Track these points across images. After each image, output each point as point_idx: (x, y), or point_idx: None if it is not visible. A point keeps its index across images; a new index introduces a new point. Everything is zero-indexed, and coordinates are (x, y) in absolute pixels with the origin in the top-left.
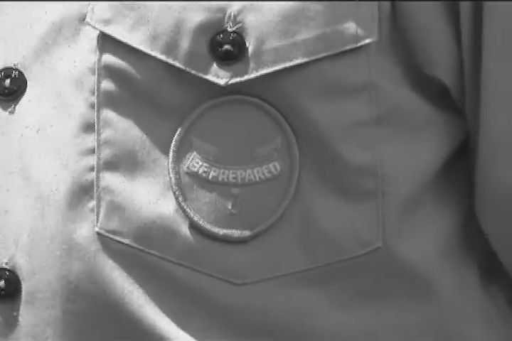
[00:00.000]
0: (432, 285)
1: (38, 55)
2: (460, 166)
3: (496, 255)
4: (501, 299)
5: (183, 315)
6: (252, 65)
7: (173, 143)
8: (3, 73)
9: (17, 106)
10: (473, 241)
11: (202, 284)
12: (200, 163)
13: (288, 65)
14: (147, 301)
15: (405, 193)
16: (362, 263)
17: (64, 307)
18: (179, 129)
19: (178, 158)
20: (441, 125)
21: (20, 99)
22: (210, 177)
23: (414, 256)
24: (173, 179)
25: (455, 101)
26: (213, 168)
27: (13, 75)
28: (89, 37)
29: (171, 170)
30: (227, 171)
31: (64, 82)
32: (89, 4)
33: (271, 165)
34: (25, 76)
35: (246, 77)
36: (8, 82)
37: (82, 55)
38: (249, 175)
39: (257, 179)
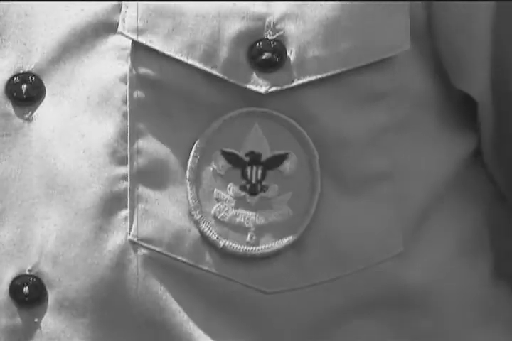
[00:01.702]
0: (436, 294)
1: (57, 61)
2: (473, 172)
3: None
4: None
5: (214, 320)
6: (294, 73)
7: (191, 158)
8: (18, 78)
9: (35, 113)
10: (487, 242)
11: (233, 291)
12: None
13: (330, 73)
14: (180, 308)
15: (421, 199)
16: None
17: (95, 315)
18: (196, 142)
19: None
20: (457, 132)
21: (38, 105)
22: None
23: (426, 264)
24: (192, 205)
25: (479, 114)
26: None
27: (30, 81)
28: (118, 46)
29: (189, 195)
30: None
31: (91, 91)
32: (119, 12)
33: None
34: (43, 82)
35: (287, 86)
36: (25, 87)
37: (110, 63)
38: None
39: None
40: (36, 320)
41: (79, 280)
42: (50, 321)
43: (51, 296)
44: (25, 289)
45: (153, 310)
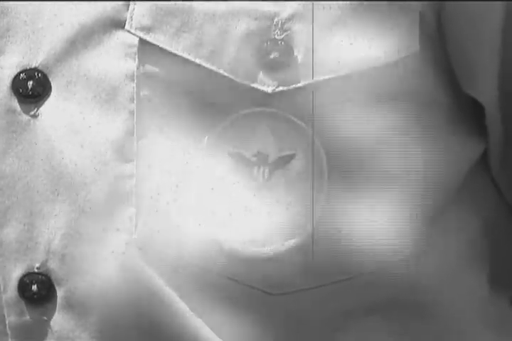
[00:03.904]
0: (442, 296)
1: (63, 58)
2: (479, 178)
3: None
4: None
5: (221, 321)
6: (302, 73)
7: None
8: (24, 74)
9: (40, 110)
10: (486, 251)
11: (239, 291)
12: None
13: (337, 74)
14: (186, 308)
15: (428, 202)
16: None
17: (101, 313)
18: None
19: None
20: (466, 136)
21: (43, 102)
22: None
23: (429, 268)
24: None
25: (486, 119)
26: None
27: (36, 77)
28: (125, 43)
29: None
30: None
31: (97, 88)
32: (127, 9)
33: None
34: (50, 78)
35: (294, 86)
36: (31, 83)
37: (117, 61)
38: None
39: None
40: (45, 318)
41: (84, 279)
42: (59, 319)
43: (59, 294)
44: (34, 287)
45: (158, 310)
